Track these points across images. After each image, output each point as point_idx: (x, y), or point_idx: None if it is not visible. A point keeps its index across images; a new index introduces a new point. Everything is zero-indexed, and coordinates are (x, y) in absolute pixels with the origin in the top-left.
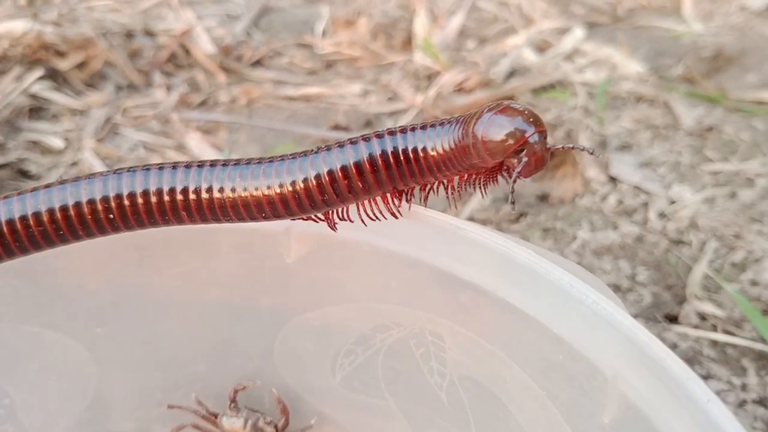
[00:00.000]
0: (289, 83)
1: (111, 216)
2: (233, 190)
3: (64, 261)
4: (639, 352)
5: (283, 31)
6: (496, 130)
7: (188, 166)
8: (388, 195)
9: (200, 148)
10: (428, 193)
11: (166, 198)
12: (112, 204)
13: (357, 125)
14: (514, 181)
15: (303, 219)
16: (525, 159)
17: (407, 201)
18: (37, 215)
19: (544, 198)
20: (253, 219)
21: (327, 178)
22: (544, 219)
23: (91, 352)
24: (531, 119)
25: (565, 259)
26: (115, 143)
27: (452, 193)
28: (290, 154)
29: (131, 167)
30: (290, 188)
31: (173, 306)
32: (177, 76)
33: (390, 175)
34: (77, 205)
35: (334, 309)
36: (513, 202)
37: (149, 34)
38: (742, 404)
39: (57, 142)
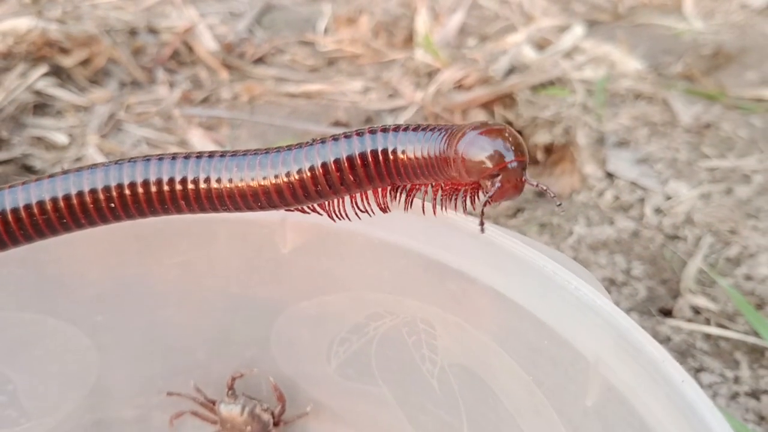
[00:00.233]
0: (290, 80)
1: (112, 205)
2: (230, 180)
3: (66, 250)
4: (618, 336)
5: (285, 28)
6: (477, 150)
7: (187, 156)
8: (380, 190)
9: (202, 144)
10: (413, 195)
11: (166, 188)
12: (114, 193)
13: (357, 121)
14: (484, 204)
15: (299, 210)
16: (498, 184)
17: (399, 198)
18: (41, 204)
19: (541, 194)
20: (250, 209)
21: (320, 170)
22: (540, 214)
23: (93, 339)
24: (514, 147)
25: (549, 247)
26: (119, 139)
27: (434, 198)
28: (285, 146)
29: (132, 158)
30: (285, 179)
31: (172, 295)
32: (180, 73)
33: (378, 171)
34: (80, 194)
35: (329, 298)
36: (482, 224)
37: (152, 31)
38: (734, 396)
39: (61, 138)
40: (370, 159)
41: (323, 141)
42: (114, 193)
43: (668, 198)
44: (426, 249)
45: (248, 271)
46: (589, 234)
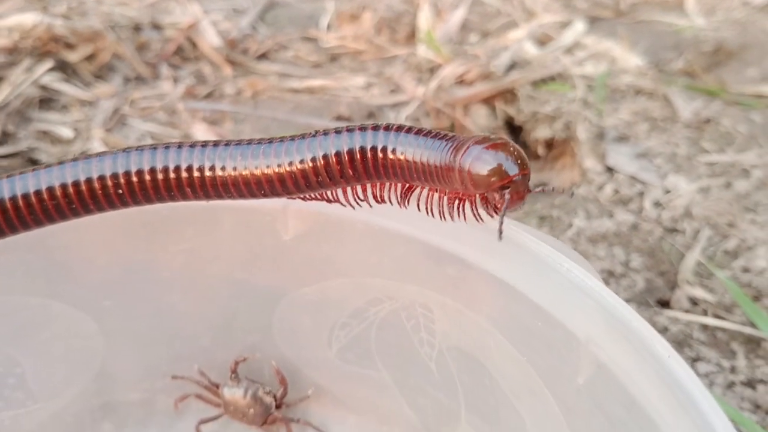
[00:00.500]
0: (293, 76)
1: (120, 191)
2: (234, 168)
3: (73, 236)
4: (608, 315)
5: (288, 25)
6: (485, 165)
7: (192, 145)
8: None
9: (206, 138)
10: (411, 193)
11: (172, 175)
12: (121, 180)
13: (359, 116)
14: (503, 217)
15: (300, 198)
16: (508, 196)
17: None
18: (50, 190)
19: (543, 190)
20: (253, 196)
21: (322, 162)
22: (540, 207)
23: (99, 324)
24: (519, 160)
25: (541, 232)
26: (123, 133)
27: (429, 205)
28: (289, 136)
29: (139, 146)
30: (288, 168)
31: (177, 281)
32: (184, 69)
33: (376, 168)
34: (88, 180)
35: (330, 284)
36: (501, 232)
37: (156, 27)
38: (730, 386)
39: (66, 132)
40: (370, 155)
41: (326, 133)
42: (122, 180)
43: (667, 192)
44: (425, 235)
45: (251, 258)
46: (589, 227)
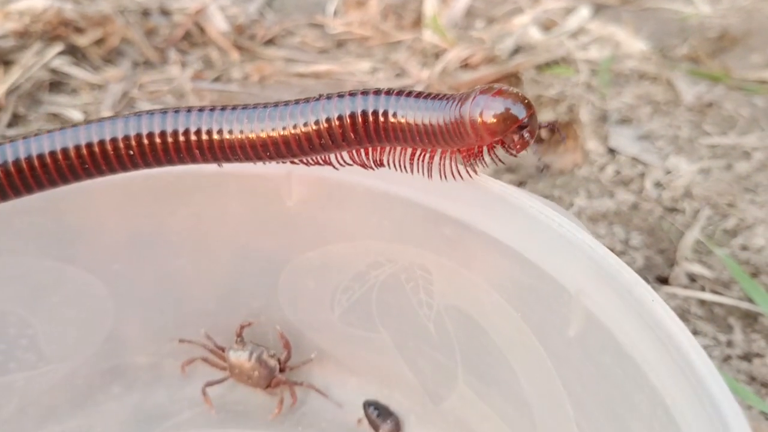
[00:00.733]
0: (300, 61)
1: (131, 153)
2: (241, 131)
3: (84, 201)
4: (596, 266)
5: (295, 11)
6: (502, 108)
7: (201, 109)
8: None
9: None
10: (414, 160)
11: (181, 138)
12: (132, 142)
13: None
14: (536, 152)
15: (304, 163)
16: (527, 134)
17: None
18: (65, 151)
19: (544, 169)
20: (259, 159)
21: (325, 125)
22: (542, 187)
23: (109, 288)
24: (525, 101)
25: (533, 194)
26: (138, 110)
27: (429, 164)
28: (294, 100)
29: (150, 110)
30: (292, 131)
31: (185, 246)
32: (191, 54)
33: (377, 132)
34: (101, 142)
35: (333, 248)
36: (544, 167)
37: (165, 12)
38: (726, 359)
39: (76, 115)
40: (371, 119)
41: (329, 96)
42: (133, 142)
43: (668, 172)
44: (423, 197)
45: (256, 223)
46: (590, 206)
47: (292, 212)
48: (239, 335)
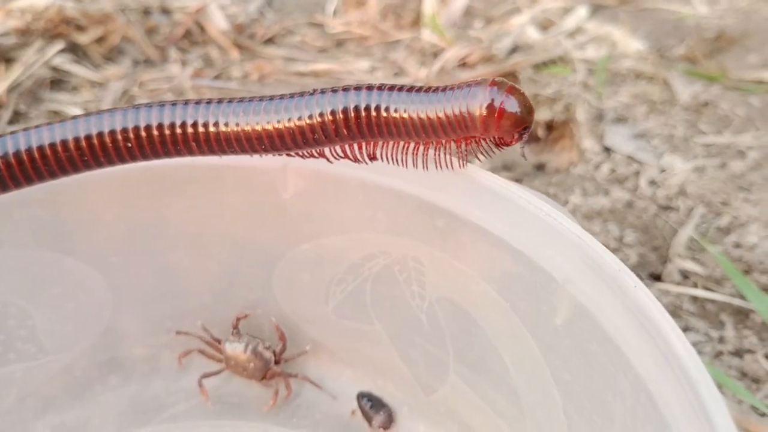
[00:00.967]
0: (299, 60)
1: (129, 145)
2: (237, 124)
3: (83, 193)
4: (582, 254)
5: (295, 10)
6: (512, 111)
7: (198, 102)
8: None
9: None
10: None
11: (178, 131)
12: (131, 135)
13: None
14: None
15: (299, 155)
16: (527, 137)
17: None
18: (64, 143)
19: (540, 167)
20: (254, 151)
21: (318, 120)
22: (538, 185)
23: (107, 280)
24: (530, 104)
25: (521, 185)
26: (137, 103)
27: (424, 156)
28: (289, 94)
29: (148, 103)
30: (287, 124)
31: (181, 239)
32: (192, 52)
33: (370, 127)
34: (100, 134)
35: (327, 240)
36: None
37: (166, 11)
38: (718, 355)
39: (77, 112)
40: (364, 114)
41: (323, 91)
42: (131, 135)
43: (663, 171)
44: (415, 189)
45: (252, 215)
46: (585, 204)
47: (288, 205)
48: (235, 327)
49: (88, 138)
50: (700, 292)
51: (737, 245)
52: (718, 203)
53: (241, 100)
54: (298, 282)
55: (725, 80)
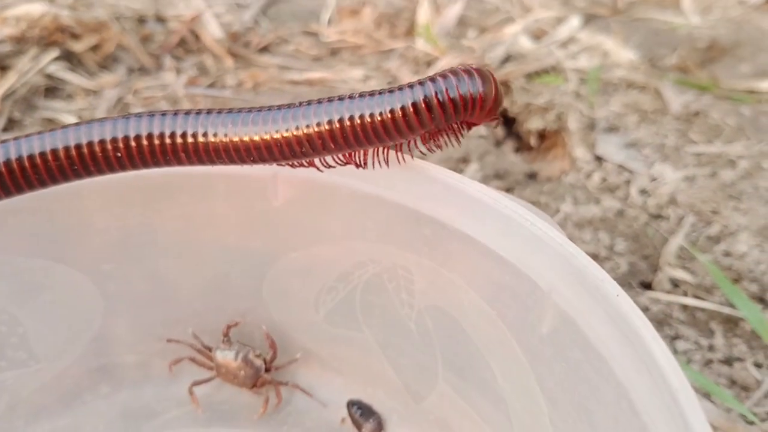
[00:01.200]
0: (294, 68)
1: (119, 155)
2: (225, 135)
3: (74, 201)
4: (566, 263)
5: (290, 19)
6: (493, 91)
7: (187, 113)
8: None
9: None
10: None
11: (167, 140)
12: (120, 144)
13: None
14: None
15: (289, 165)
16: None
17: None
18: (54, 152)
19: (532, 176)
20: (243, 162)
21: (304, 132)
22: (529, 193)
23: (99, 287)
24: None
25: (507, 194)
26: (127, 113)
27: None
28: (277, 105)
29: (138, 113)
30: (275, 136)
31: (173, 246)
32: (186, 60)
33: (356, 136)
34: (90, 144)
35: (317, 248)
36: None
37: (160, 19)
38: (708, 363)
39: (71, 120)
40: (348, 123)
41: (309, 103)
42: (120, 144)
43: (653, 180)
44: (404, 198)
45: (243, 223)
46: (575, 212)
47: (278, 213)
48: (226, 335)
49: (78, 147)
50: (690, 301)
51: (727, 254)
52: (708, 212)
53: (230, 111)
54: (288, 290)
55: (716, 90)
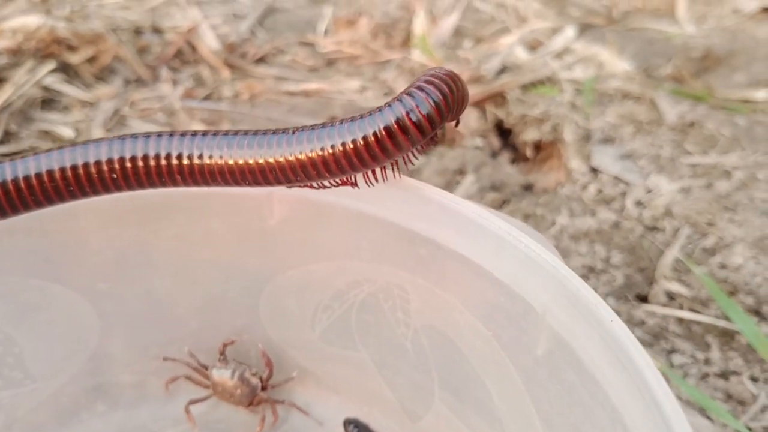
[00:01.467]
0: (290, 79)
1: (114, 176)
2: (221, 157)
3: (70, 221)
4: (561, 286)
5: (286, 30)
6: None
7: (183, 134)
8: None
9: None
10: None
11: (163, 162)
12: (116, 165)
13: None
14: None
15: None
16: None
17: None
18: (50, 173)
19: (528, 188)
20: (237, 185)
21: (300, 157)
22: (525, 205)
23: (95, 306)
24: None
25: (504, 214)
26: (123, 133)
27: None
28: (272, 130)
29: (134, 134)
30: (269, 161)
31: (168, 265)
32: (183, 72)
33: (359, 161)
34: (86, 164)
35: (313, 267)
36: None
37: (157, 30)
38: (704, 377)
39: (68, 132)
40: (340, 149)
41: (303, 129)
42: (116, 165)
43: (649, 191)
44: (399, 218)
45: (238, 242)
46: (571, 224)
47: (274, 231)
48: (222, 353)
49: (74, 168)
50: (686, 314)
51: (723, 266)
52: (703, 224)
53: (226, 133)
54: (284, 308)
55: (711, 100)
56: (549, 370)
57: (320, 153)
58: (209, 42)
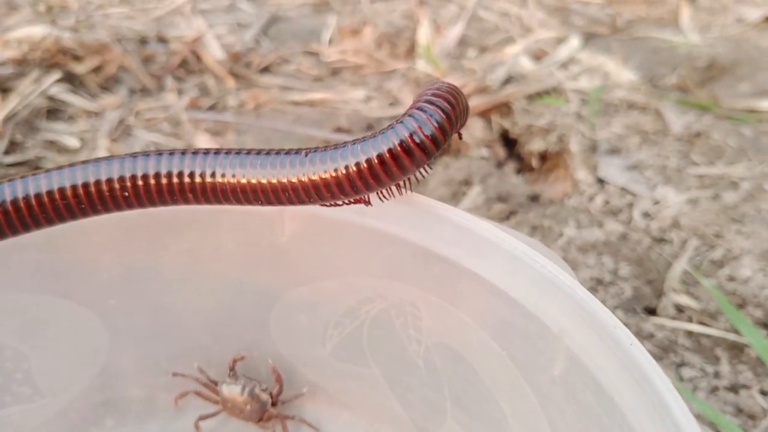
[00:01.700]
0: (295, 89)
1: (126, 194)
2: (233, 176)
3: (80, 237)
4: (577, 307)
5: (291, 39)
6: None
7: (195, 152)
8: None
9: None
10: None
11: (174, 180)
12: (127, 183)
13: (358, 128)
14: None
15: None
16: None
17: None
18: (62, 190)
19: (535, 198)
20: (249, 204)
21: (309, 181)
22: (532, 217)
23: (104, 322)
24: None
25: (518, 232)
26: (128, 143)
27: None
28: (285, 149)
29: (145, 152)
30: (283, 181)
31: (178, 281)
32: (188, 81)
33: (365, 182)
34: (97, 183)
35: (324, 284)
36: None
37: (162, 40)
38: (714, 390)
39: (73, 142)
40: (365, 165)
41: (315, 150)
42: (128, 183)
43: (656, 203)
44: (412, 235)
45: (249, 258)
46: (579, 236)
47: (285, 247)
48: (232, 369)
49: (86, 186)
50: (695, 327)
51: (731, 278)
52: (711, 235)
53: (239, 152)
54: (295, 324)
55: (717, 109)
56: (565, 390)
57: (334, 174)
58: (214, 52)
